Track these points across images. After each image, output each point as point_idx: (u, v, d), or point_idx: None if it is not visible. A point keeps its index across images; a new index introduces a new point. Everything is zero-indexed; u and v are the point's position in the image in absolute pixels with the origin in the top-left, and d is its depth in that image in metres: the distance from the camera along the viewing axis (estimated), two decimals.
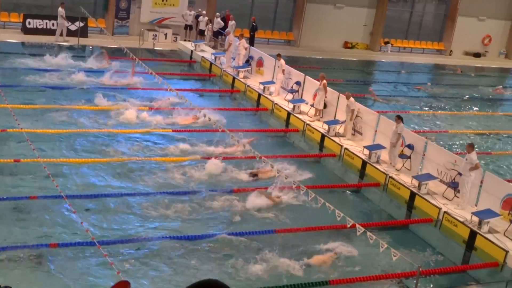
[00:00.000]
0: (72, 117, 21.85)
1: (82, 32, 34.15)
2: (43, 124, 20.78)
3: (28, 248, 13.34)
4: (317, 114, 24.25)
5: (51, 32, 33.60)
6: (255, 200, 16.96)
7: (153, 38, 35.72)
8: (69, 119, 21.66)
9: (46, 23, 34.14)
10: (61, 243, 13.64)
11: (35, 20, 34.08)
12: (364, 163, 20.48)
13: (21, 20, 34.26)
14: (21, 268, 12.72)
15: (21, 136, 19.07)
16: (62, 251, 13.45)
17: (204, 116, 21.14)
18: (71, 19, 33.96)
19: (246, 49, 30.45)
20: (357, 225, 14.27)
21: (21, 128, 19.30)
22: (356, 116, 22.45)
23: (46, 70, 26.86)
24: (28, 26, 33.94)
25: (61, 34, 33.11)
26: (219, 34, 35.67)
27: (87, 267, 13.07)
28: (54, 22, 33.80)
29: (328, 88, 23.90)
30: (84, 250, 13.57)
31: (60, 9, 32.72)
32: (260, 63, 29.88)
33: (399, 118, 20.06)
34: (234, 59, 30.64)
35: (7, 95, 22.10)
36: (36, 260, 13.07)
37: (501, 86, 35.56)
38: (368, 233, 14.04)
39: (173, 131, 21.82)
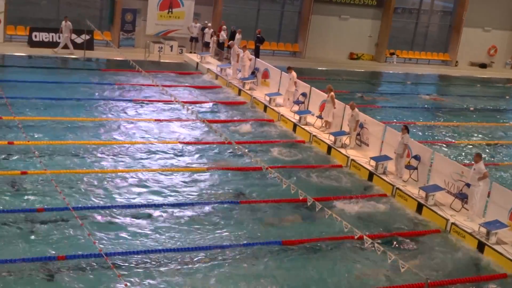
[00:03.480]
0: (79, 129, 21.92)
1: (88, 45, 34.28)
2: (50, 136, 20.84)
3: (36, 261, 13.32)
4: (326, 125, 24.24)
5: (57, 45, 33.73)
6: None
7: (159, 50, 35.85)
8: (74, 130, 21.73)
9: (52, 36, 34.33)
10: (68, 255, 13.61)
11: (41, 33, 34.25)
12: (371, 174, 20.44)
13: (27, 33, 34.42)
14: (29, 281, 12.69)
15: (27, 149, 19.12)
16: (70, 263, 13.43)
17: (211, 127, 21.15)
18: (77, 32, 34.14)
19: (250, 60, 30.51)
20: (365, 237, 14.21)
21: (28, 141, 19.34)
22: (363, 127, 22.44)
23: (55, 83, 27.07)
24: (34, 39, 34.10)
25: (66, 47, 33.19)
26: (223, 46, 35.75)
27: (95, 279, 13.03)
28: (60, 35, 33.95)
29: (335, 100, 23.90)
30: (91, 262, 13.54)
31: (63, 23, 32.85)
32: (266, 75, 29.92)
33: (405, 129, 20.03)
34: (239, 71, 30.69)
35: (14, 107, 22.13)
36: (44, 273, 13.05)
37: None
38: (376, 244, 13.98)
39: (179, 142, 21.82)
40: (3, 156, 18.87)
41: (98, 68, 32.61)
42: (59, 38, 34.02)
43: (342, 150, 22.20)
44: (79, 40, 34.30)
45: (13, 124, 20.92)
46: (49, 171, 17.33)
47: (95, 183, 17.76)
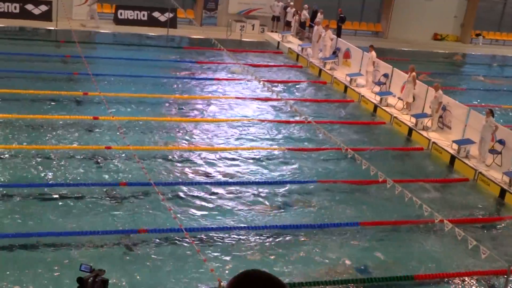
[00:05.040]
0: (161, 106, 22.33)
1: (172, 23, 34.73)
2: (133, 112, 21.31)
3: (118, 234, 13.70)
4: (406, 107, 23.88)
5: (142, 23, 34.39)
6: None
7: (240, 29, 35.95)
8: (157, 107, 22.14)
9: (137, 14, 34.90)
10: (150, 229, 13.93)
11: (126, 11, 34.88)
12: (453, 158, 20.05)
13: (113, 11, 35.15)
14: (111, 253, 13.07)
15: (111, 124, 19.63)
16: (150, 237, 13.74)
17: (291, 106, 21.19)
18: (160, 10, 34.67)
19: (332, 40, 30.25)
20: (445, 221, 13.99)
21: (112, 116, 19.83)
22: (445, 109, 22.01)
23: (138, 60, 27.63)
24: (119, 17, 34.79)
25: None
26: (305, 25, 35.56)
27: (174, 253, 13.31)
28: (145, 13, 34.57)
29: (417, 81, 23.50)
30: (171, 237, 13.82)
31: None
32: (347, 55, 29.64)
33: (490, 112, 19.53)
34: (321, 51, 30.50)
35: (99, 83, 22.70)
36: (126, 246, 13.40)
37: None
38: (456, 229, 13.74)
39: (258, 120, 21.92)
40: (88, 131, 19.42)
41: (181, 46, 33.05)
42: (143, 16, 34.66)
43: (424, 133, 21.83)
44: (162, 18, 34.82)
45: (98, 100, 21.49)
46: (132, 147, 17.74)
47: (176, 159, 18.07)
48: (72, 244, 13.10)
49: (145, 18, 34.75)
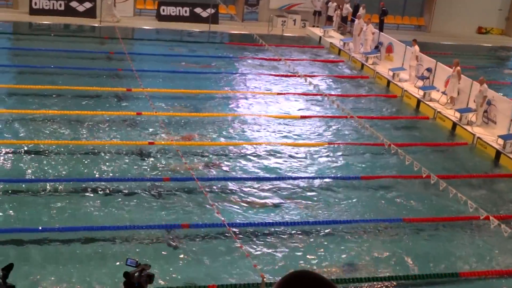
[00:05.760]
0: (204, 101, 22.44)
1: (213, 19, 34.88)
2: (175, 107, 21.47)
3: (161, 229, 13.83)
4: (450, 101, 23.59)
5: (184, 19, 34.62)
6: None
7: (282, 24, 35.93)
8: (200, 102, 22.26)
9: (179, 10, 35.13)
10: (192, 224, 14.03)
11: (168, 7, 35.15)
12: (498, 153, 19.76)
13: (156, 8, 35.45)
14: (154, 248, 13.19)
15: (154, 119, 19.84)
16: (193, 232, 13.83)
17: (333, 102, 21.13)
18: (202, 6, 34.86)
19: (373, 34, 30.04)
20: (491, 217, 13.80)
21: (155, 112, 20.01)
22: (490, 104, 21.70)
23: (180, 56, 27.83)
24: (162, 13, 35.07)
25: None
26: (347, 20, 35.37)
27: (217, 248, 13.38)
28: (187, 9, 34.80)
29: (462, 75, 23.21)
30: (214, 232, 13.89)
31: None
32: (389, 49, 29.40)
33: None
34: (362, 45, 30.32)
35: (142, 79, 22.92)
36: (168, 240, 13.51)
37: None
38: (502, 225, 13.55)
39: (301, 117, 21.90)
40: (132, 126, 19.62)
41: (222, 41, 33.18)
42: (185, 12, 34.90)
43: (468, 128, 21.56)
44: (204, 14, 35.00)
45: (142, 96, 21.70)
46: (174, 142, 17.89)
47: (219, 155, 18.14)
48: (116, 238, 13.26)
49: (187, 14, 34.99)
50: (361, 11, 34.05)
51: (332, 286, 2.98)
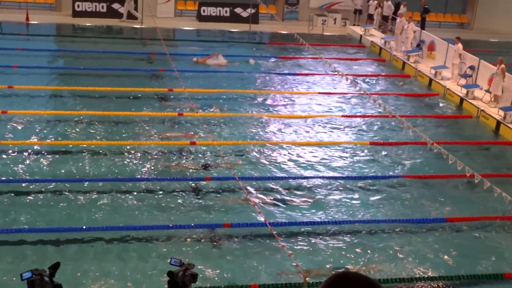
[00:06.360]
0: (245, 101, 22.49)
1: (254, 19, 34.95)
2: (216, 107, 21.55)
3: (203, 228, 13.90)
4: (494, 100, 23.25)
5: (225, 20, 34.78)
6: None
7: (322, 23, 35.82)
8: (240, 102, 22.31)
9: (220, 11, 35.29)
10: (233, 223, 14.07)
11: (209, 8, 35.33)
12: None
13: (196, 8, 35.66)
14: (196, 247, 13.25)
15: (195, 120, 19.95)
16: (235, 231, 13.87)
17: (374, 101, 21.01)
18: (243, 6, 34.96)
19: (414, 32, 29.77)
20: None
21: (196, 112, 20.13)
22: None
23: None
24: (202, 13, 35.26)
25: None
26: (388, 18, 35.10)
27: (258, 247, 13.39)
28: (227, 9, 34.94)
29: (506, 73, 22.85)
30: (255, 231, 13.91)
31: None
32: (431, 47, 29.11)
33: None
34: (404, 44, 30.07)
35: (184, 79, 23.07)
36: (211, 240, 13.59)
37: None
38: None
39: (342, 116, 21.81)
40: (173, 126, 19.77)
41: (263, 41, 33.22)
42: (226, 12, 35.04)
43: None
44: (244, 14, 35.11)
45: (183, 96, 21.85)
46: (215, 142, 17.97)
47: (260, 154, 18.16)
48: (159, 237, 13.37)
49: (228, 14, 35.13)
50: (402, 9, 33.77)
51: (378, 287, 2.97)
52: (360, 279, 3.00)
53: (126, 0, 33.37)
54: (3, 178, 15.40)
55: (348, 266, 12.89)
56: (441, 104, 24.48)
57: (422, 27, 33.38)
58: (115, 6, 33.87)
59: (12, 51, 26.25)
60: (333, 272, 10.87)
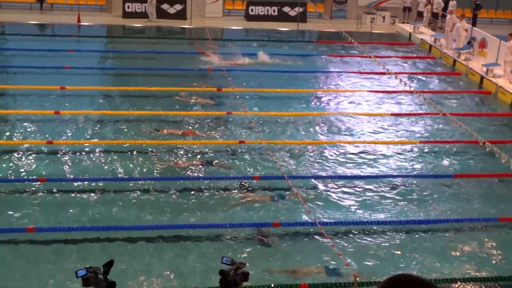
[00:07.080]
0: (293, 100, 22.48)
1: (302, 17, 34.90)
2: (265, 106, 21.59)
3: (253, 227, 13.94)
4: None
5: (273, 19, 34.83)
6: None
7: (370, 21, 35.57)
8: (288, 102, 22.31)
9: (268, 10, 35.35)
10: (283, 223, 14.07)
11: (257, 7, 35.42)
12: None
13: (244, 8, 35.78)
14: (246, 246, 13.29)
15: (245, 119, 20.02)
16: (284, 230, 13.88)
17: (424, 99, 20.79)
18: (291, 5, 34.95)
19: (466, 30, 29.32)
20: None
21: (245, 111, 20.20)
22: None
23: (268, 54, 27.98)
24: (250, 13, 35.36)
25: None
26: (437, 15, 34.66)
27: (308, 246, 13.38)
28: (275, 8, 34.98)
29: None
30: (305, 231, 13.90)
31: None
32: (483, 44, 28.63)
33: None
34: (454, 41, 29.65)
35: (232, 78, 23.16)
36: (260, 239, 13.62)
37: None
38: None
39: (391, 114, 21.63)
40: (222, 125, 19.88)
41: (311, 40, 33.15)
42: (274, 11, 35.09)
43: None
44: (292, 13, 35.10)
45: (232, 95, 21.94)
46: (265, 141, 18.00)
47: (310, 153, 18.13)
48: (210, 236, 13.47)
49: (276, 13, 35.16)
50: (452, 5, 33.29)
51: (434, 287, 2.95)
52: (416, 281, 2.98)
53: (148, 0, 33.69)
54: (54, 178, 15.69)
55: (401, 266, 12.77)
56: (492, 102, 24.07)
57: (474, 24, 32.87)
58: (164, 6, 34.19)
59: (64, 52, 26.72)
60: (384, 272, 10.77)
